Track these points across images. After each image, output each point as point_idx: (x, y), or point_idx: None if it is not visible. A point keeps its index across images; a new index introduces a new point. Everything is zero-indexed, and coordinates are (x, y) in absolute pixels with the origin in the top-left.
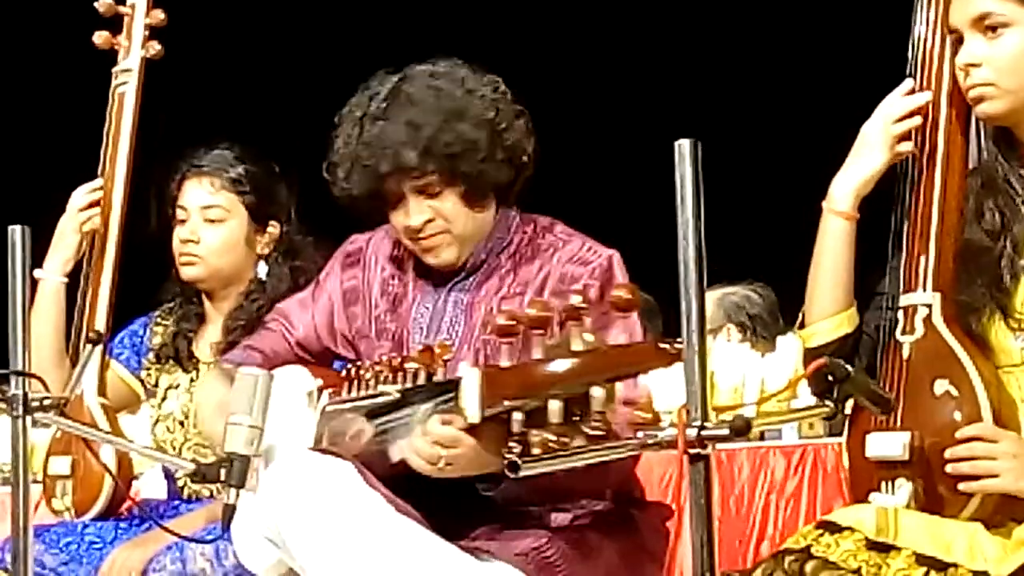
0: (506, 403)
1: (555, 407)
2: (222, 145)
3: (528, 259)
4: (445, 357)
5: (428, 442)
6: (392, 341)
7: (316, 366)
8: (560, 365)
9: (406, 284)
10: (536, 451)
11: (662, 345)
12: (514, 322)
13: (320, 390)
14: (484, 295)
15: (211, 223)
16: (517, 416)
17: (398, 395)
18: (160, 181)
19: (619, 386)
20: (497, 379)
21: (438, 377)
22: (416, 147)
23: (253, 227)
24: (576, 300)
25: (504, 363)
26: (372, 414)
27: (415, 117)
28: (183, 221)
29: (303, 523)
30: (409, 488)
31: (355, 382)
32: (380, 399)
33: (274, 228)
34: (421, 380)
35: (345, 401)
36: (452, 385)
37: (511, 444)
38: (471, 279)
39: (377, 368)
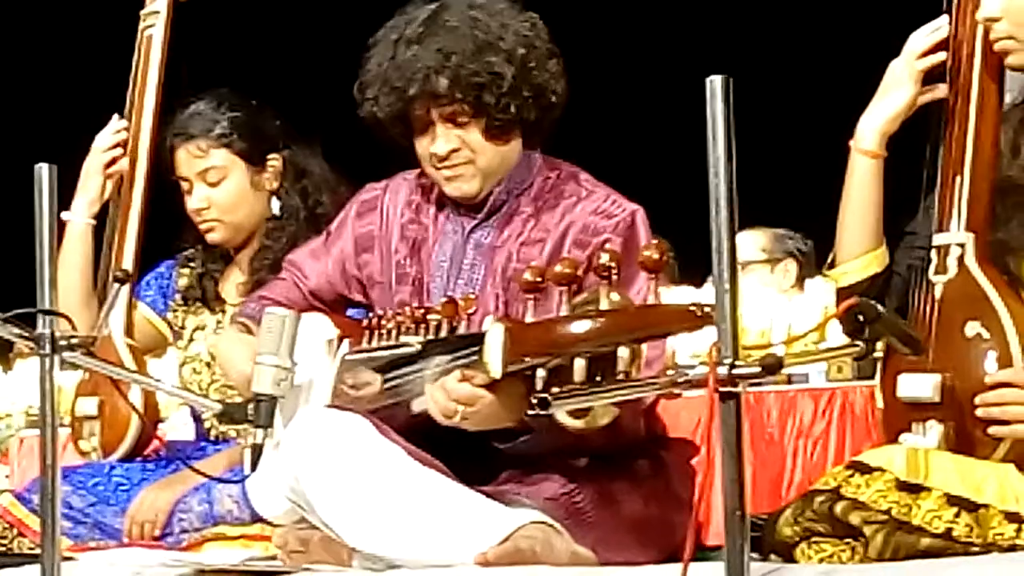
0: (528, 359)
1: (579, 365)
2: (197, 101)
3: (551, 206)
4: (469, 311)
5: (446, 397)
6: (413, 286)
7: (336, 316)
8: (587, 323)
9: (426, 228)
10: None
11: (691, 307)
12: (540, 278)
13: (340, 339)
14: (505, 238)
15: (214, 185)
16: (540, 373)
17: (419, 347)
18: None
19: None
20: (522, 335)
21: (461, 330)
22: (444, 74)
23: (254, 170)
24: (605, 259)
25: (529, 319)
26: (392, 365)
27: (447, 44)
28: (188, 191)
29: (326, 481)
30: (430, 438)
31: (376, 332)
32: (401, 350)
33: (275, 161)
34: (444, 333)
35: (365, 351)
36: (474, 339)
37: (534, 400)
38: (491, 221)
39: (399, 319)
